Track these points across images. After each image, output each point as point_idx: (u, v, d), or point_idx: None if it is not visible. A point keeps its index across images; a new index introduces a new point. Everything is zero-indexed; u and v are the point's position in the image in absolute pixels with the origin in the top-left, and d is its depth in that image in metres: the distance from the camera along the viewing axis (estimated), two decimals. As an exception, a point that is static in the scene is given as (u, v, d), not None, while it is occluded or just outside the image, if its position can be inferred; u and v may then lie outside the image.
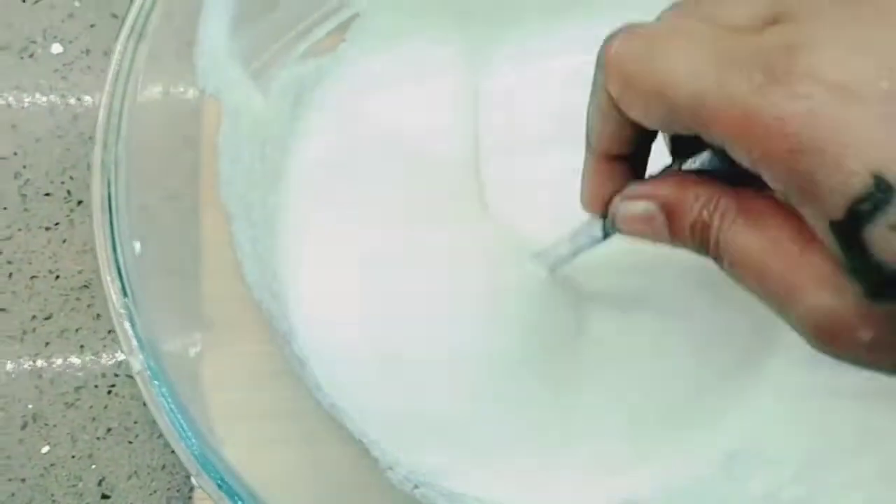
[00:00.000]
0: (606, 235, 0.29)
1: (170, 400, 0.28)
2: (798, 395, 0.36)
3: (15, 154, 0.49)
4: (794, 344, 0.37)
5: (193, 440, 0.27)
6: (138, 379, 0.29)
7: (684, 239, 0.24)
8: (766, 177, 0.20)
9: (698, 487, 0.35)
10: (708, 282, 0.38)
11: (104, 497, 0.44)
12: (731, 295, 0.38)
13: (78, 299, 0.47)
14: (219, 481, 0.28)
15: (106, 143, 0.30)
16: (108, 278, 0.29)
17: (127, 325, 0.28)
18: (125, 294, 0.29)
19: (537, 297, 0.36)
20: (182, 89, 0.35)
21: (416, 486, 0.36)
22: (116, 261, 0.29)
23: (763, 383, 0.37)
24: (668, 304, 0.37)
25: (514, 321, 0.36)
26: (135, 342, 0.29)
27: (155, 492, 0.45)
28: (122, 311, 0.29)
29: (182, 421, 0.27)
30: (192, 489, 0.44)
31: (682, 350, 0.37)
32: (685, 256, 0.38)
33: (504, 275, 0.37)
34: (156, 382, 0.29)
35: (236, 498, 0.28)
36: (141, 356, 0.29)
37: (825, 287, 0.20)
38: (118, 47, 0.30)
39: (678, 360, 0.37)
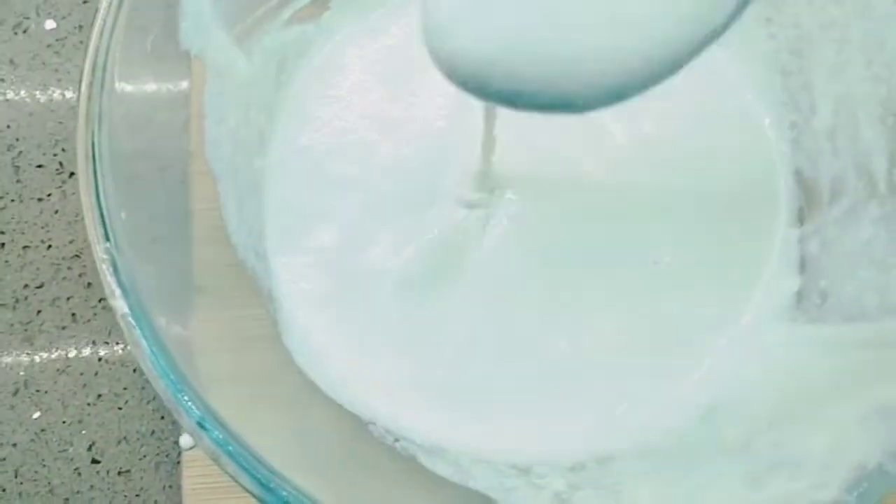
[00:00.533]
0: None
1: (150, 339, 0.28)
2: (775, 346, 0.37)
3: (8, 126, 0.49)
4: (770, 296, 0.38)
5: (172, 377, 0.28)
6: (122, 323, 0.29)
7: None
8: None
9: (674, 440, 0.36)
10: (688, 238, 0.39)
11: (94, 462, 0.45)
12: (709, 250, 0.39)
13: (69, 268, 0.48)
14: (199, 420, 0.28)
15: (90, 95, 0.30)
16: (92, 228, 0.30)
17: (109, 269, 0.29)
18: (107, 239, 0.29)
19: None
20: (167, 52, 0.36)
21: (396, 440, 0.37)
22: (100, 207, 0.29)
23: (741, 336, 0.37)
24: (647, 260, 0.38)
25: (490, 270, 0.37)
26: (118, 290, 0.30)
27: (144, 457, 0.45)
28: (104, 256, 0.29)
29: (162, 359, 0.28)
30: (180, 454, 0.45)
31: (659, 305, 0.38)
32: (669, 210, 0.39)
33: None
34: (136, 328, 0.29)
35: (217, 437, 0.28)
36: (123, 301, 0.29)
37: None
38: (102, 3, 0.31)
39: (656, 316, 0.38)
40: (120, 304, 0.29)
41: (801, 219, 0.40)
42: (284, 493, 0.28)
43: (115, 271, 0.29)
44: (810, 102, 0.40)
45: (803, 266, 0.39)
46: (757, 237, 0.40)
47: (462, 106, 0.41)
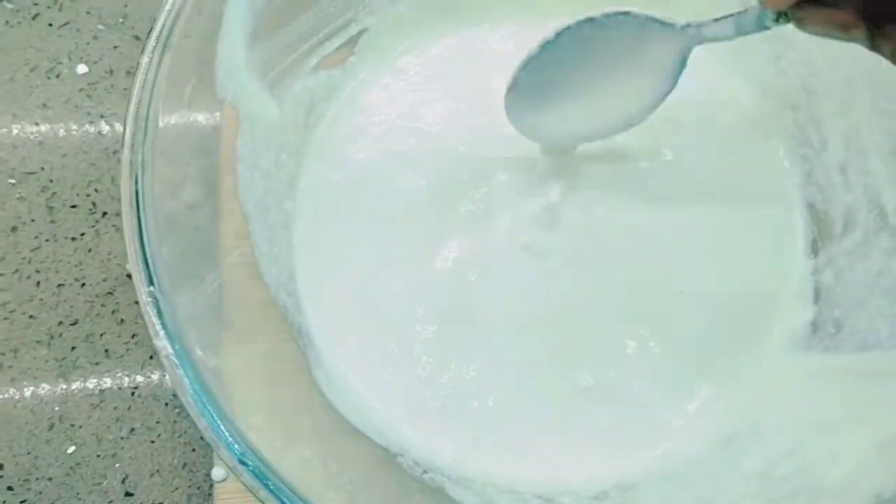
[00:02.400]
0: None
1: (193, 379, 0.30)
2: (795, 374, 0.38)
3: (42, 169, 0.51)
4: (786, 327, 0.39)
5: (215, 415, 0.29)
6: (165, 362, 0.30)
7: None
8: None
9: (693, 469, 0.37)
10: (703, 268, 0.40)
11: (128, 495, 0.46)
12: (729, 282, 0.40)
13: (103, 305, 0.49)
14: (240, 456, 0.29)
15: (133, 144, 0.32)
16: (137, 273, 0.31)
17: (153, 311, 0.30)
18: (151, 283, 0.31)
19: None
20: (202, 101, 0.37)
21: (424, 472, 0.38)
22: (143, 252, 0.31)
23: (761, 365, 0.38)
24: (674, 290, 0.39)
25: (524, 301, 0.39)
26: (162, 332, 0.31)
27: (177, 489, 0.46)
28: (148, 299, 0.31)
29: (203, 397, 0.29)
30: (212, 486, 0.46)
31: (681, 333, 0.39)
32: (683, 243, 0.40)
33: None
34: (179, 368, 0.30)
35: (258, 471, 0.29)
36: (167, 342, 0.30)
37: None
38: (144, 58, 0.33)
39: (677, 345, 0.39)
40: (164, 345, 0.30)
41: (814, 250, 0.41)
42: (321, 525, 0.29)
43: (160, 314, 0.31)
44: (821, 137, 0.41)
45: (817, 296, 0.40)
46: (773, 269, 0.41)
47: (476, 139, 0.43)
